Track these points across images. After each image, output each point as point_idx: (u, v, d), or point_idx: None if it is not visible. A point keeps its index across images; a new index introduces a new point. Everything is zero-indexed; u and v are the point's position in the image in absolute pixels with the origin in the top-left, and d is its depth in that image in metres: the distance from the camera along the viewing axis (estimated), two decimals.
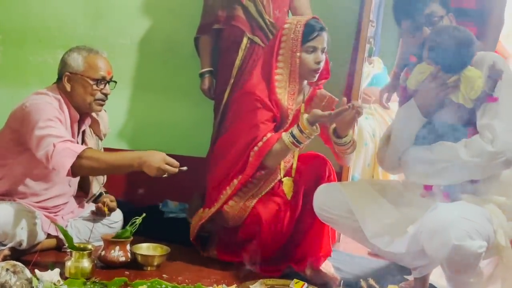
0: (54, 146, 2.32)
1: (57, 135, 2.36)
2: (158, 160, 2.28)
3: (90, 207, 2.82)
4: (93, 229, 2.70)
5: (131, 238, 2.52)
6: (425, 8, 2.25)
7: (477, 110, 2.12)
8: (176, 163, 2.31)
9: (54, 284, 2.08)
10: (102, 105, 2.59)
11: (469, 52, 2.14)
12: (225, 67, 3.13)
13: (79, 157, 2.30)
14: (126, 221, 2.74)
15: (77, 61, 2.52)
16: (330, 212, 2.36)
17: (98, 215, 2.78)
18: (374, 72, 4.06)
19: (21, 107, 2.45)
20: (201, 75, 3.23)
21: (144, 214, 2.52)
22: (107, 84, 2.57)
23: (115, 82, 2.62)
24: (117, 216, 2.85)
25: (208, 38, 3.21)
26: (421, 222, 2.00)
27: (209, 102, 3.28)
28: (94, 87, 2.53)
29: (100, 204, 2.75)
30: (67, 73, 2.52)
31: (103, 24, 3.58)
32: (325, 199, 2.38)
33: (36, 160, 2.45)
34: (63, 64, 2.56)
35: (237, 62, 3.07)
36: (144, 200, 3.41)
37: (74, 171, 2.31)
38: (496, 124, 2.04)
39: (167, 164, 2.28)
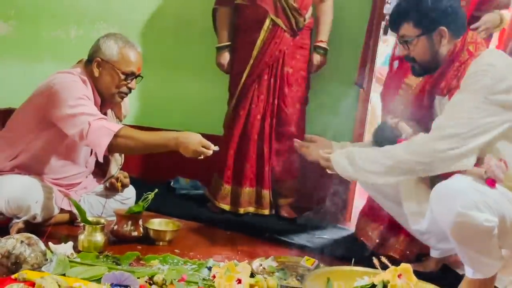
0: (89, 124, 2.30)
1: (90, 113, 2.35)
2: (195, 142, 2.29)
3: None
4: (105, 204, 2.72)
5: (143, 212, 2.54)
6: (399, 29, 2.21)
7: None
8: (211, 145, 2.32)
9: (68, 257, 2.11)
10: (123, 97, 2.58)
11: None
12: (245, 46, 3.05)
13: (116, 135, 2.30)
14: (138, 197, 2.75)
15: (111, 50, 2.48)
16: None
17: (111, 190, 2.78)
18: (388, 51, 4.01)
19: (47, 85, 2.42)
20: (219, 49, 3.15)
21: (156, 190, 2.53)
22: (135, 79, 2.55)
23: (142, 77, 2.58)
24: (130, 192, 2.85)
25: (227, 10, 3.11)
26: (434, 188, 1.98)
27: (221, 79, 3.25)
28: (122, 80, 2.50)
29: (113, 180, 2.75)
30: (98, 59, 2.48)
31: (115, 0, 3.56)
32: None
33: (57, 137, 2.46)
34: (97, 48, 2.50)
35: (258, 42, 2.99)
36: (155, 176, 3.43)
37: (110, 149, 2.31)
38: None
39: (203, 146, 2.29)
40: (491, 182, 1.90)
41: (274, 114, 3.09)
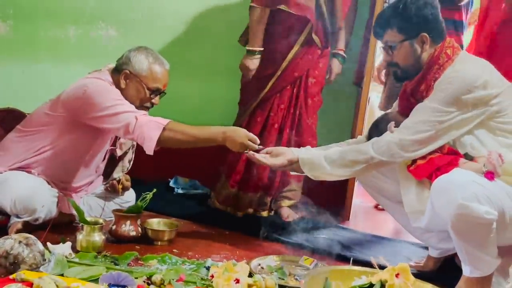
0: (137, 118, 2.33)
1: (134, 110, 2.38)
2: (241, 136, 2.33)
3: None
4: (104, 207, 2.71)
5: (142, 212, 2.54)
6: (383, 36, 2.28)
7: None
8: (257, 138, 2.36)
9: (66, 257, 2.10)
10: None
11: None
12: (273, 53, 2.95)
13: (164, 129, 2.32)
14: (137, 197, 2.75)
15: (141, 65, 2.50)
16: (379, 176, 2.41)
17: (111, 192, 2.78)
18: None
19: (80, 89, 2.40)
20: (250, 52, 2.98)
21: (154, 190, 2.53)
22: (159, 95, 2.56)
23: (165, 93, 2.59)
24: (130, 196, 2.85)
25: (265, 12, 2.92)
26: (435, 182, 2.01)
27: (220, 79, 3.24)
28: (147, 95, 2.51)
29: (115, 182, 2.75)
30: (127, 71, 2.49)
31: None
32: None
33: (79, 142, 2.48)
34: (127, 61, 2.51)
35: (290, 56, 2.93)
36: (154, 176, 3.42)
37: (159, 142, 2.33)
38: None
39: (249, 140, 2.33)
40: (490, 175, 1.95)
41: (294, 124, 3.03)
